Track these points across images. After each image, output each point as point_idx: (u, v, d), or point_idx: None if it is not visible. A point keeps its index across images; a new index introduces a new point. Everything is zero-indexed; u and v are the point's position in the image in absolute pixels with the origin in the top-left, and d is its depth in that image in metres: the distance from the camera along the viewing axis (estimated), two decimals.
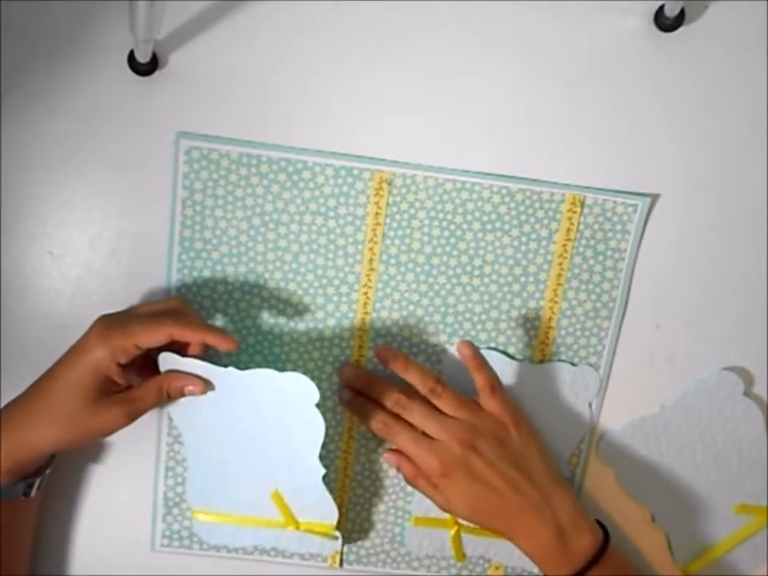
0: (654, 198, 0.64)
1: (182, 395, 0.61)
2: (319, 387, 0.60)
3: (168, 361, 0.60)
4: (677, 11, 0.60)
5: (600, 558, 0.61)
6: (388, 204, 0.62)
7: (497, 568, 0.70)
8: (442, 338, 0.65)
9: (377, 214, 0.63)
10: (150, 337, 0.57)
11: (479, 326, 0.65)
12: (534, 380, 0.66)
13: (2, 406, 0.58)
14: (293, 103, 0.61)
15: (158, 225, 0.62)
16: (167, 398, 0.60)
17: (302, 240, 0.63)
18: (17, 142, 0.60)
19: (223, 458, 0.64)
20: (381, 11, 0.60)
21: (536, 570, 0.68)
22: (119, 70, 0.60)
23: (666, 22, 0.61)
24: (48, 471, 0.61)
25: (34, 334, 0.64)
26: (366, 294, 0.64)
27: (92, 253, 0.63)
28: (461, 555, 0.69)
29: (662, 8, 0.61)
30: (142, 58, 0.58)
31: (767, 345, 0.67)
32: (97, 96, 0.60)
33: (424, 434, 0.62)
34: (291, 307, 0.64)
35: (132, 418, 0.58)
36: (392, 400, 0.62)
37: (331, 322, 0.65)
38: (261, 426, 0.62)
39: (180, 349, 0.60)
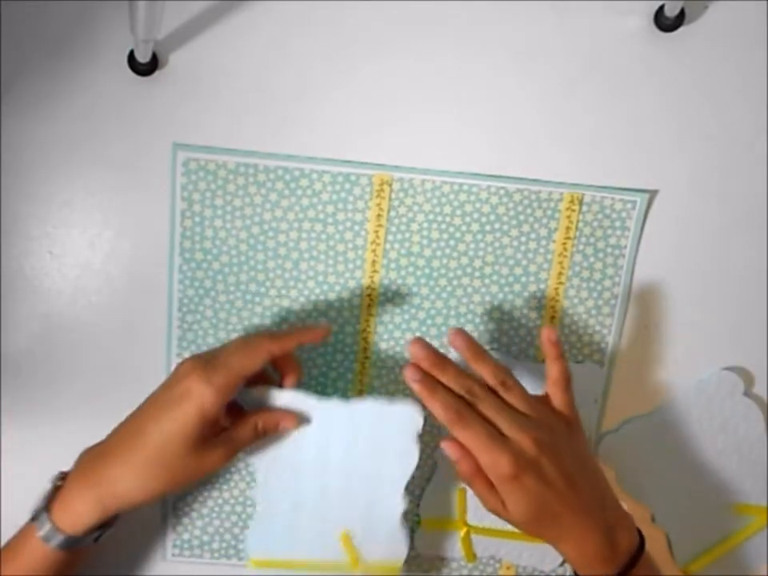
0: (653, 194, 0.64)
1: (277, 432, 0.60)
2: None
3: (261, 395, 0.60)
4: (677, 11, 0.60)
5: (640, 555, 0.58)
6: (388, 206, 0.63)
7: (508, 568, 0.70)
8: (445, 340, 0.65)
9: (378, 216, 0.63)
10: (251, 361, 0.56)
11: (481, 327, 0.65)
12: (539, 379, 0.65)
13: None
14: (292, 102, 0.61)
15: (157, 224, 0.62)
16: (263, 434, 0.60)
17: (302, 247, 0.63)
18: (17, 142, 0.60)
19: (296, 499, 0.63)
20: (378, 12, 0.60)
21: (546, 569, 0.69)
22: (119, 70, 0.60)
23: (665, 22, 0.61)
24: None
25: (34, 334, 0.64)
26: (369, 295, 0.64)
27: (92, 253, 0.63)
28: (471, 556, 0.69)
29: (662, 8, 0.61)
30: (142, 58, 0.58)
31: (767, 345, 0.67)
32: (97, 96, 0.60)
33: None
34: (293, 314, 0.64)
35: (231, 458, 0.58)
36: (465, 387, 0.56)
37: (333, 328, 0.65)
38: (348, 460, 0.62)
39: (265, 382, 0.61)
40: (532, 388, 0.65)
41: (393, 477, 0.62)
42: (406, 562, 0.69)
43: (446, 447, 0.57)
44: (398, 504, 0.63)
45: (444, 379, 0.57)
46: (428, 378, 0.56)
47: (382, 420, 0.60)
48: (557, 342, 0.58)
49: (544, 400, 0.59)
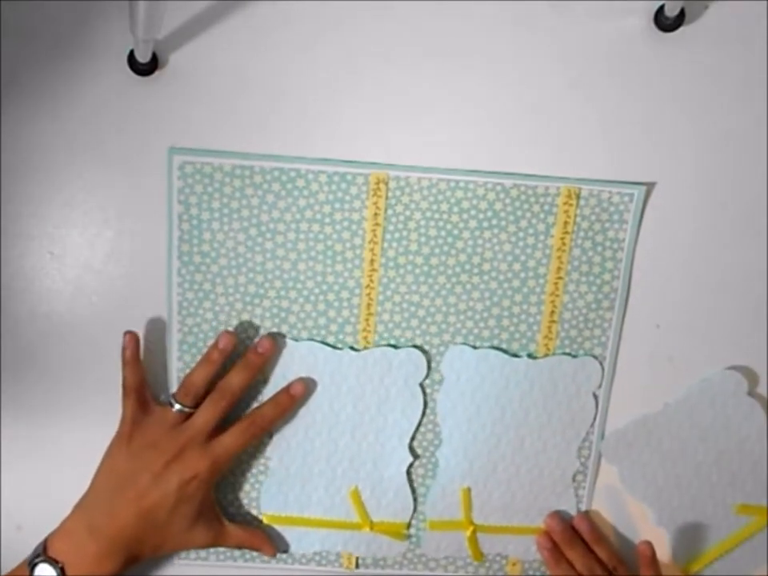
0: (650, 186, 0.64)
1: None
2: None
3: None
4: (677, 11, 0.60)
5: None
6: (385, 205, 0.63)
7: (514, 564, 0.70)
8: (445, 337, 0.65)
9: (375, 214, 0.63)
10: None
11: (481, 324, 0.65)
12: (536, 375, 0.65)
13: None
14: (290, 103, 0.61)
15: (157, 224, 0.62)
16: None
17: (300, 248, 0.63)
18: (17, 142, 0.61)
19: (307, 456, 0.66)
20: (375, 11, 0.60)
21: None
22: (119, 71, 0.60)
23: (665, 22, 0.61)
24: None
25: (34, 334, 0.64)
26: (368, 295, 0.64)
27: (92, 253, 0.63)
28: (478, 555, 0.69)
29: (662, 8, 0.61)
30: (142, 58, 0.58)
31: None
32: (97, 96, 0.60)
33: None
34: (293, 315, 0.64)
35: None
36: (587, 566, 0.65)
37: (333, 327, 0.65)
38: (357, 415, 0.65)
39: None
40: (530, 385, 0.65)
41: (399, 429, 0.66)
42: (413, 561, 0.69)
43: None
44: (404, 458, 0.66)
45: (570, 554, 0.66)
46: (556, 550, 0.67)
47: (388, 366, 0.64)
48: (652, 556, 0.65)
49: None
